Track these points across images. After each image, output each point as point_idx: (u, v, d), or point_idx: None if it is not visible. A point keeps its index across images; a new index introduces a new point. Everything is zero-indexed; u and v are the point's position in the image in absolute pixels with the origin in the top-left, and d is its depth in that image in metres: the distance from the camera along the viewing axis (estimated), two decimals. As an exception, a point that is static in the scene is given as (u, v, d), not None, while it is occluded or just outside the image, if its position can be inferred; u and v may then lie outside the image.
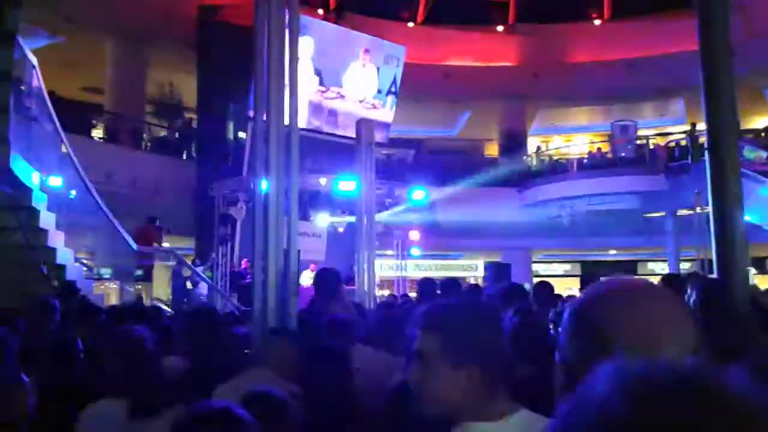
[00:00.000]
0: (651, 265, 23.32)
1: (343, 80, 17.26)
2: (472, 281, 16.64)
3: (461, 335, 1.47)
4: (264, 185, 5.35)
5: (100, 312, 4.90)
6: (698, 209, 14.97)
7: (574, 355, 0.92)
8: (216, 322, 4.35)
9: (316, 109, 16.45)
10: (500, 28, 22.34)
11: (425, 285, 5.59)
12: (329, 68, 16.95)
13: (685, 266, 18.03)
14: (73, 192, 9.53)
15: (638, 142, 20.23)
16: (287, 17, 5.56)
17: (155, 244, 11.83)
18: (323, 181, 13.98)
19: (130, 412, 2.63)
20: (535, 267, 22.91)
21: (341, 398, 2.61)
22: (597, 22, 22.12)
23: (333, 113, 16.82)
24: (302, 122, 15.98)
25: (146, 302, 9.84)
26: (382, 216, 13.53)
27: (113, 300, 10.04)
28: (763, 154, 15.79)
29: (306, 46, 15.81)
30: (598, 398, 0.47)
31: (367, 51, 17.74)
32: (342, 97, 17.22)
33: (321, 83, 16.84)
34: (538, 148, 22.26)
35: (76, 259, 9.03)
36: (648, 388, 0.47)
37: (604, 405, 0.46)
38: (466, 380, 1.43)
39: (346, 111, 16.69)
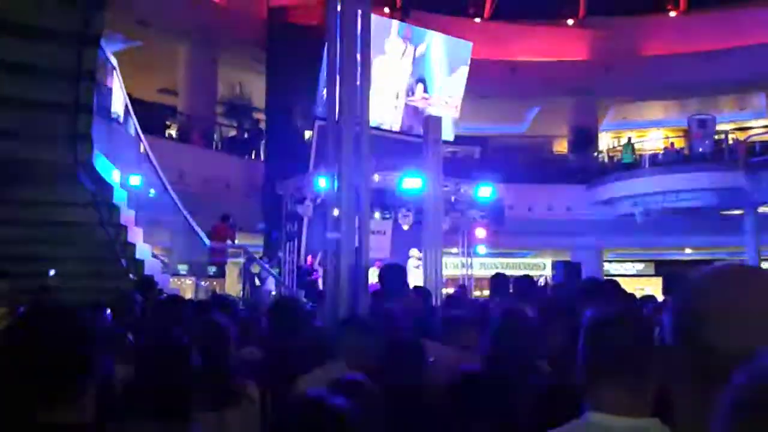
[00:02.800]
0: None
1: (444, 87, 18.00)
2: (541, 281, 16.35)
3: None
4: (335, 184, 5.41)
5: (186, 304, 5.05)
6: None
7: (675, 338, 0.90)
8: (300, 313, 4.44)
9: (418, 114, 16.89)
10: (570, 21, 21.88)
11: (499, 282, 5.52)
12: (433, 76, 17.83)
13: (765, 266, 17.23)
14: (152, 190, 9.88)
15: (716, 137, 19.43)
16: (359, 17, 5.61)
17: (228, 241, 12.14)
18: (390, 178, 14.00)
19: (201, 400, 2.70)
20: (606, 266, 22.34)
21: (417, 392, 2.61)
22: (672, 13, 21.39)
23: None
24: (396, 125, 16.83)
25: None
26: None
27: (188, 295, 10.34)
28: None
29: (409, 53, 17.01)
30: (738, 395, 0.45)
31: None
32: (445, 104, 17.94)
33: (425, 90, 17.56)
34: (629, 140, 21.57)
35: (154, 255, 9.36)
36: None
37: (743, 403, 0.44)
38: None
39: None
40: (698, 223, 18.24)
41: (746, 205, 17.42)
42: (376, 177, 13.00)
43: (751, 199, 17.00)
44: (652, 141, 23.62)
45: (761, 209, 17.12)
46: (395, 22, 17.54)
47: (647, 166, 19.51)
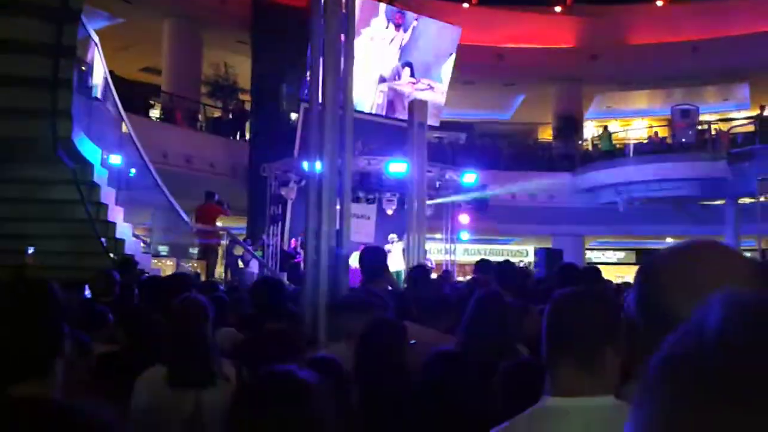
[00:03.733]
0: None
1: (431, 72, 18.06)
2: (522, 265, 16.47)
3: None
4: (318, 166, 5.39)
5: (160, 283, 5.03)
6: (761, 197, 14.46)
7: (638, 311, 0.94)
8: (283, 292, 4.45)
9: (405, 99, 16.86)
10: (558, 8, 21.86)
11: (483, 267, 5.56)
12: (420, 60, 17.79)
13: (744, 255, 17.44)
14: (133, 170, 9.80)
15: (699, 127, 19.58)
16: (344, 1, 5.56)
17: (219, 220, 12.07)
18: (374, 162, 14.00)
19: (178, 379, 2.71)
20: (588, 254, 22.52)
21: (397, 372, 2.62)
22: (659, 2, 21.44)
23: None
24: (381, 109, 16.81)
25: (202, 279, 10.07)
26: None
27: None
28: None
29: (398, 38, 17.04)
30: (713, 325, 0.46)
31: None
32: (431, 88, 17.92)
33: (412, 74, 17.56)
34: (606, 128, 21.65)
35: (135, 235, 9.30)
36: (759, 306, 0.45)
37: (720, 331, 0.45)
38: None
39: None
40: (680, 212, 18.42)
41: (727, 196, 17.61)
42: (361, 161, 12.99)
43: (733, 190, 17.19)
44: (637, 130, 23.75)
45: (742, 200, 17.31)
46: (383, 5, 17.45)
47: (631, 155, 19.63)
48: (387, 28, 17.19)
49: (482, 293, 3.20)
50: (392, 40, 17.29)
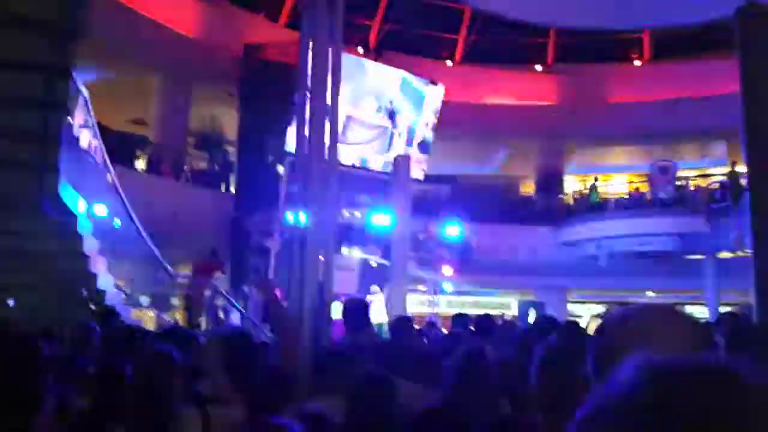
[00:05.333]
0: (689, 309, 22.78)
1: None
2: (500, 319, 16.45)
3: None
4: (302, 218, 5.45)
5: (143, 335, 5.01)
6: (739, 252, 14.67)
7: (592, 368, 1.02)
8: (251, 345, 4.41)
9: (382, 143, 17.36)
10: (539, 67, 22.46)
11: (459, 321, 5.58)
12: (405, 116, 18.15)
13: (724, 311, 17.58)
14: (118, 221, 9.80)
15: (678, 183, 19.96)
16: (330, 55, 5.73)
17: (218, 274, 12.05)
18: (358, 214, 14.10)
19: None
20: (570, 307, 22.55)
21: (388, 428, 2.63)
22: (637, 63, 22.11)
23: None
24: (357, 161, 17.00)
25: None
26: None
27: (150, 327, 10.19)
28: None
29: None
30: (624, 385, 0.51)
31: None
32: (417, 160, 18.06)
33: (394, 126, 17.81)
34: (594, 184, 21.94)
35: (116, 286, 9.23)
36: (670, 373, 0.51)
37: (629, 390, 0.51)
38: None
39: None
40: (660, 266, 18.59)
41: (706, 251, 17.84)
42: (345, 213, 13.08)
43: (711, 245, 17.43)
44: (617, 185, 24.13)
45: (721, 254, 17.54)
46: (371, 62, 17.85)
47: (611, 209, 19.90)
48: (377, 111, 17.54)
49: (467, 349, 3.22)
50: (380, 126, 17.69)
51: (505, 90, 22.19)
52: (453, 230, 14.62)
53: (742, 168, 19.42)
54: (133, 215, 9.69)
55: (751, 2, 4.47)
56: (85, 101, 8.87)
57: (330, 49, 5.75)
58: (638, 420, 0.48)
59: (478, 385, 2.95)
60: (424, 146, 18.26)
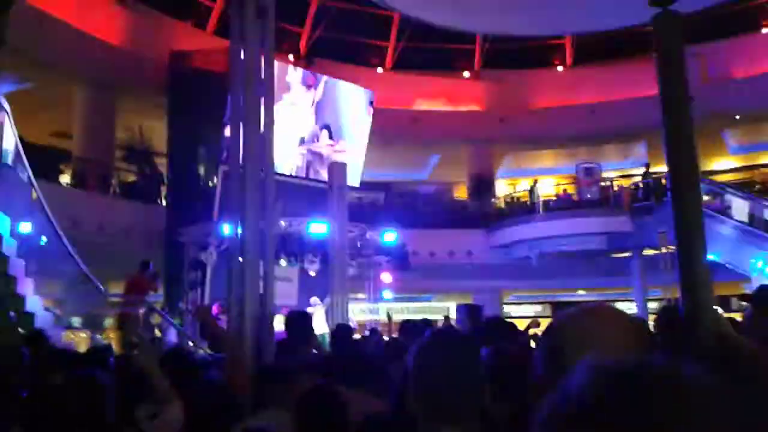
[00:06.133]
0: (619, 306, 23.52)
1: (347, 134, 18.37)
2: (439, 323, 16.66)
3: None
4: (238, 230, 5.39)
5: (73, 359, 4.84)
6: (663, 249, 15.33)
7: (541, 369, 1.09)
8: (188, 364, 4.33)
9: (324, 160, 17.19)
10: (466, 73, 22.90)
11: (407, 327, 5.66)
12: (337, 123, 18.16)
13: (652, 306, 18.31)
14: (44, 238, 9.43)
15: (602, 183, 20.69)
16: (262, 63, 5.69)
17: (151, 292, 11.69)
18: (295, 224, 14.02)
19: None
20: (506, 308, 23.04)
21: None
22: (560, 68, 22.83)
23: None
24: (301, 171, 16.84)
25: (116, 350, 9.66)
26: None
27: (83, 349, 9.84)
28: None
29: (309, 97, 17.30)
30: (575, 387, 0.56)
31: (371, 104, 18.49)
32: (351, 150, 18.25)
33: (330, 137, 17.88)
34: (534, 185, 22.46)
35: (45, 308, 8.88)
36: (616, 374, 0.57)
37: (579, 392, 0.55)
38: None
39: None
40: (589, 265, 19.22)
41: (632, 248, 18.56)
42: (282, 223, 12.98)
43: (637, 243, 18.15)
44: (545, 188, 24.81)
45: (646, 252, 18.27)
46: (299, 69, 17.82)
47: (540, 212, 20.46)
48: (303, 91, 17.53)
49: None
50: (310, 102, 17.62)
51: (435, 96, 22.53)
52: (389, 237, 14.71)
53: (657, 168, 20.36)
54: (60, 232, 9.35)
55: (666, 10, 4.71)
56: (6, 113, 8.51)
57: (262, 57, 5.72)
58: (590, 421, 0.53)
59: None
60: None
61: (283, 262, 13.81)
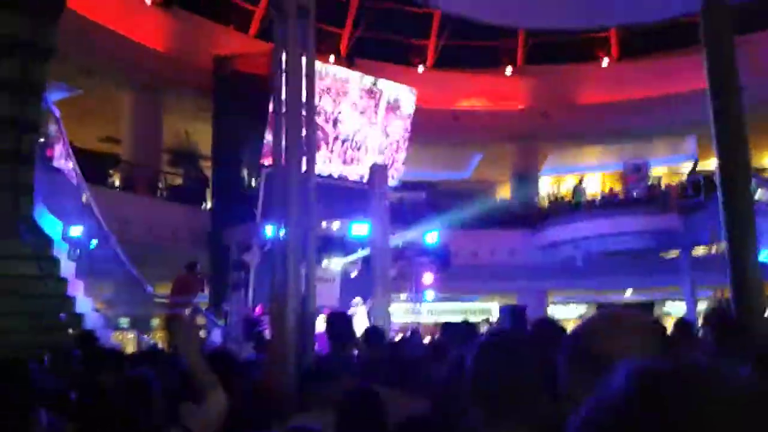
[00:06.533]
0: (668, 304, 23.03)
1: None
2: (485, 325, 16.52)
3: None
4: (281, 231, 5.42)
5: (123, 359, 4.95)
6: (713, 248, 14.89)
7: (566, 366, 1.11)
8: (232, 365, 4.37)
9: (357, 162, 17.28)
10: (509, 70, 22.65)
11: (449, 329, 5.62)
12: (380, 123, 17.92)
13: (702, 306, 17.83)
14: (94, 241, 9.67)
15: (650, 180, 20.23)
16: (304, 65, 5.72)
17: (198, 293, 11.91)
18: (336, 225, 14.08)
19: None
20: (551, 309, 22.71)
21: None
22: (605, 62, 22.39)
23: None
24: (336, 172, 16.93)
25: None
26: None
27: (130, 349, 10.06)
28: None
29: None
30: (616, 390, 0.55)
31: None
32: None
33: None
34: (579, 184, 22.06)
35: (95, 309, 9.10)
36: (656, 376, 0.56)
37: (621, 395, 0.55)
38: None
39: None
40: (636, 265, 18.80)
41: (681, 247, 18.09)
42: (324, 224, 13.05)
43: (685, 241, 17.68)
44: (591, 185, 24.39)
45: (695, 250, 17.79)
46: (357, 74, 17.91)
47: (586, 210, 20.11)
48: (361, 98, 17.59)
49: (455, 356, 3.20)
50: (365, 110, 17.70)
51: (477, 94, 22.34)
52: (431, 237, 14.64)
53: (704, 166, 19.83)
54: (110, 235, 9.57)
55: None
56: (57, 120, 8.76)
57: (303, 59, 5.75)
58: (634, 424, 0.52)
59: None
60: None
61: (325, 263, 13.88)
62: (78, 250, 8.85)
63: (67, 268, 7.98)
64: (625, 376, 0.56)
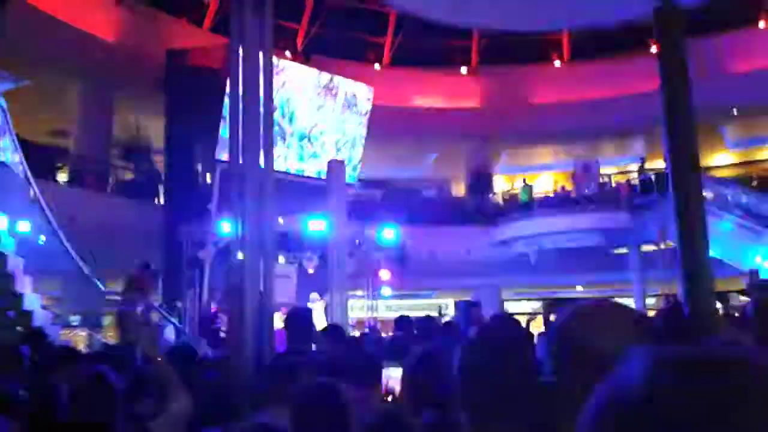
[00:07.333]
0: (618, 300, 23.55)
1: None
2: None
3: None
4: (238, 228, 5.36)
5: (77, 358, 4.82)
6: (662, 245, 15.33)
7: (553, 355, 1.13)
8: (190, 362, 4.32)
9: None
10: (464, 69, 22.85)
11: (402, 324, 5.62)
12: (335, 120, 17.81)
13: (650, 302, 18.34)
14: (42, 237, 9.41)
15: (600, 180, 20.69)
16: (261, 60, 5.66)
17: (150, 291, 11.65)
18: (293, 221, 14.00)
19: None
20: (505, 305, 23.04)
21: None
22: (557, 63, 22.79)
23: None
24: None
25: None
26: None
27: (81, 347, 9.82)
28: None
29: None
30: (632, 377, 0.54)
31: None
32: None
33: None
34: (525, 183, 22.37)
35: (43, 306, 8.86)
36: (674, 363, 0.54)
37: (639, 383, 0.53)
38: None
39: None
40: (588, 261, 19.23)
41: (631, 244, 18.57)
42: (281, 220, 12.96)
43: (635, 239, 18.16)
44: (543, 184, 24.82)
45: (644, 247, 18.28)
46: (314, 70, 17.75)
47: (538, 208, 20.48)
48: (318, 95, 17.44)
49: (420, 352, 3.22)
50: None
51: (433, 92, 22.48)
52: (388, 234, 14.69)
53: (654, 164, 20.37)
54: (59, 231, 9.32)
55: (668, 2, 4.68)
56: (3, 112, 8.48)
57: (261, 54, 5.68)
58: (655, 410, 0.51)
59: (431, 388, 2.96)
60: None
61: (281, 260, 13.79)
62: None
63: (14, 263, 7.75)
64: (643, 363, 0.55)
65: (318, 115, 17.50)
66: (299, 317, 4.76)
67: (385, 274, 15.73)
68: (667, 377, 0.53)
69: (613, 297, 23.70)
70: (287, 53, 19.65)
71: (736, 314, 6.70)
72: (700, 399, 0.51)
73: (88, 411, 2.67)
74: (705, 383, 0.52)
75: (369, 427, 2.62)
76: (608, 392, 0.55)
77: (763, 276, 13.41)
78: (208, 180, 16.86)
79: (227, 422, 3.31)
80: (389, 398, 3.19)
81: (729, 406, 0.51)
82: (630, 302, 18.75)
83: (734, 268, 14.73)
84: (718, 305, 5.66)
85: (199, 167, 17.48)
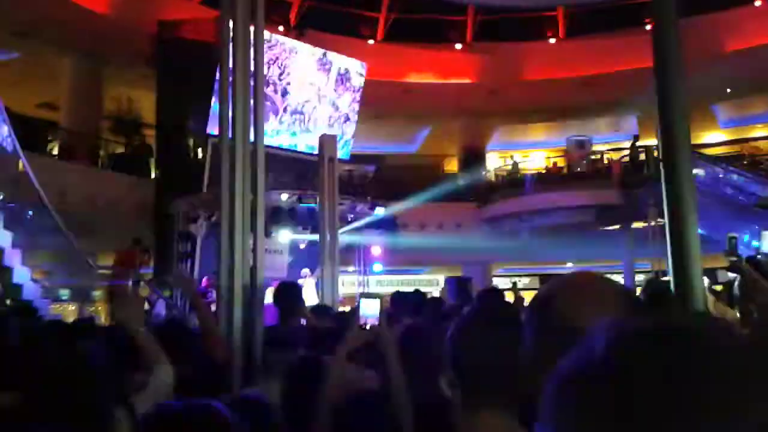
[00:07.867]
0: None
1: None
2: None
3: None
4: (229, 202, 5.34)
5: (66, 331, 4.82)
6: (652, 222, 15.39)
7: (532, 332, 1.10)
8: (183, 335, 4.32)
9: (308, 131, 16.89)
10: (458, 45, 22.69)
11: (399, 299, 5.66)
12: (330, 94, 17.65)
13: (640, 278, 18.46)
14: (31, 211, 9.36)
15: (593, 157, 20.70)
16: (252, 33, 5.59)
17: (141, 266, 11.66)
18: (284, 196, 13.96)
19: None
20: (495, 281, 23.16)
21: (314, 411, 2.63)
22: (552, 40, 22.66)
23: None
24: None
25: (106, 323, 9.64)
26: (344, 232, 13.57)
27: (71, 321, 9.82)
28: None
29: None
30: (596, 348, 0.54)
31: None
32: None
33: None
34: (512, 158, 22.43)
35: (33, 279, 8.84)
36: (637, 333, 0.55)
37: (604, 352, 0.53)
38: None
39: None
40: (578, 238, 19.31)
41: (622, 221, 18.64)
42: (273, 195, 12.93)
43: (626, 216, 18.22)
44: (536, 161, 24.82)
45: (635, 225, 18.36)
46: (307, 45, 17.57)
47: (530, 184, 20.49)
48: (311, 70, 17.30)
49: (404, 328, 3.22)
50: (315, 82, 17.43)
51: (427, 68, 22.33)
52: (380, 209, 14.69)
53: (647, 141, 20.39)
54: (48, 204, 9.27)
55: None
56: (-10, 85, 8.39)
57: (252, 28, 5.61)
58: (615, 380, 0.51)
59: (418, 364, 2.97)
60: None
61: (273, 235, 13.78)
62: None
63: (4, 237, 7.71)
64: (608, 333, 0.55)
65: (311, 90, 17.36)
66: (288, 291, 4.77)
67: (376, 250, 15.76)
68: (629, 347, 0.53)
69: (604, 274, 23.96)
70: (280, 27, 19.44)
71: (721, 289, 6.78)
72: (660, 369, 0.52)
73: (69, 389, 2.65)
74: (666, 354, 0.52)
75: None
76: (572, 363, 0.55)
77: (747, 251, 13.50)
78: (200, 154, 16.76)
79: (217, 395, 3.32)
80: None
81: (690, 377, 0.51)
82: (620, 279, 18.90)
83: (722, 244, 14.80)
84: (706, 281, 5.71)
85: (191, 141, 17.36)
